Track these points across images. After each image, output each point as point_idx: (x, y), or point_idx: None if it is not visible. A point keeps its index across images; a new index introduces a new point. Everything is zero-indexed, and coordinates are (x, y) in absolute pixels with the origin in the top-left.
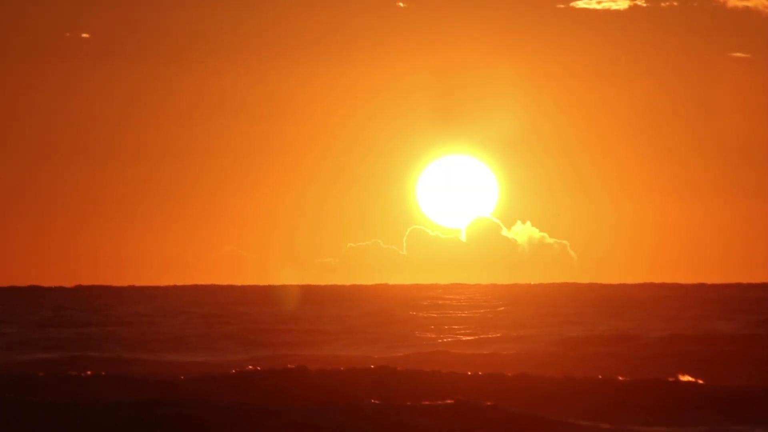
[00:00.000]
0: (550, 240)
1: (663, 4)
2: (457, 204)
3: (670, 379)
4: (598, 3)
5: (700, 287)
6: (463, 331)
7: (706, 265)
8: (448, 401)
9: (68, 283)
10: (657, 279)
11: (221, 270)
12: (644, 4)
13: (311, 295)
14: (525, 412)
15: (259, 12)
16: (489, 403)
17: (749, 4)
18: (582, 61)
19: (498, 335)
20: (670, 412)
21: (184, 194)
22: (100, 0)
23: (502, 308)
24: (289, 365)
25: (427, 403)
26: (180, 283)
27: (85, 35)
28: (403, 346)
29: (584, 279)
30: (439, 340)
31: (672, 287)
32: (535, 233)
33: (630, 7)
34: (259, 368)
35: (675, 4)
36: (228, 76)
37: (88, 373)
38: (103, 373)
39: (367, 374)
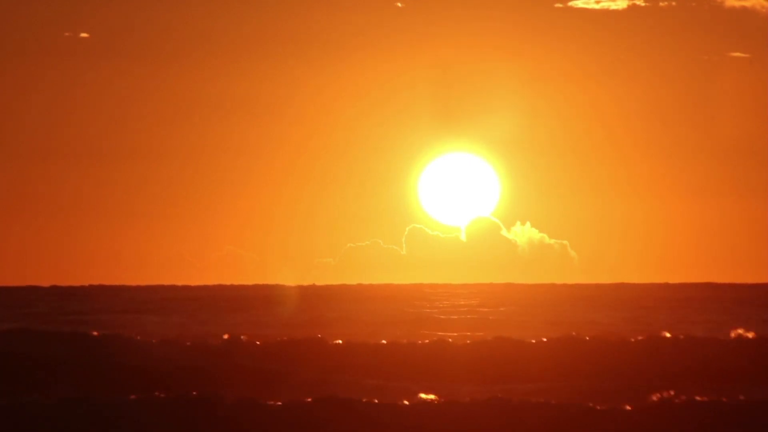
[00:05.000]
0: (550, 240)
1: (661, 4)
2: (459, 202)
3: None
4: (597, 2)
5: (701, 286)
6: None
7: (707, 265)
8: None
9: (66, 283)
10: (658, 279)
11: (221, 270)
12: (643, 4)
13: (311, 294)
14: None
15: (259, 12)
16: None
17: (746, 4)
18: (580, 61)
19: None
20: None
21: (183, 194)
22: (99, 0)
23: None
24: None
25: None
26: (180, 283)
27: (84, 35)
28: None
29: (585, 279)
30: None
31: (673, 287)
32: (535, 234)
33: (628, 7)
34: None
35: (673, 3)
36: (228, 75)
37: None
38: None
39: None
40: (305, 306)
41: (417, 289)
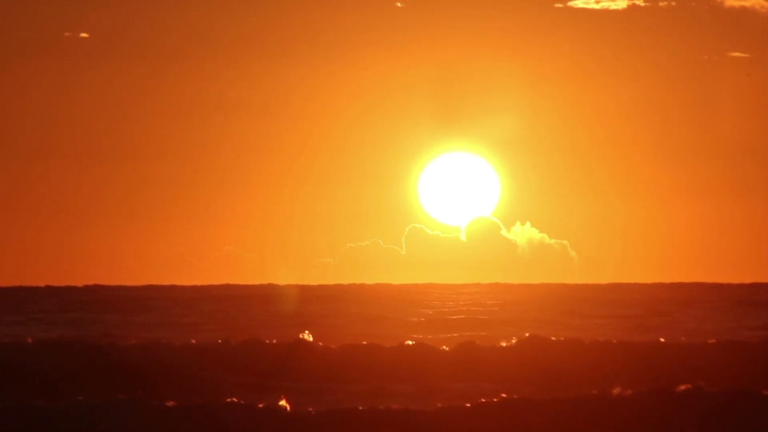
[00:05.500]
0: (550, 240)
1: (661, 4)
2: (459, 202)
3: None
4: (597, 2)
5: (701, 286)
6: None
7: (707, 265)
8: None
9: (66, 283)
10: (658, 279)
11: (221, 270)
12: (643, 4)
13: (311, 294)
14: None
15: (258, 12)
16: None
17: (746, 4)
18: (579, 61)
19: None
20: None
21: (183, 194)
22: (99, 0)
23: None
24: None
25: None
26: (180, 283)
27: (84, 35)
28: None
29: (585, 279)
30: None
31: (673, 287)
32: (535, 234)
33: (628, 7)
34: None
35: (673, 3)
36: (228, 75)
37: None
38: None
39: None
40: (282, 306)
41: (407, 289)
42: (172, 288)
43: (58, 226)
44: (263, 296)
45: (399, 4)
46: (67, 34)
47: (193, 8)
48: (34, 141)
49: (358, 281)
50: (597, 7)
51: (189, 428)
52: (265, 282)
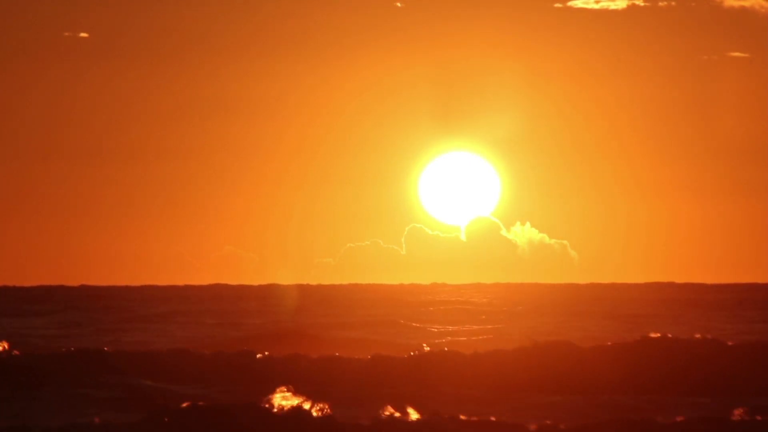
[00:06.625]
0: (550, 240)
1: (661, 4)
2: (459, 202)
3: None
4: (596, 2)
5: (701, 287)
6: None
7: (706, 265)
8: None
9: (64, 283)
10: (658, 279)
11: (221, 270)
12: (642, 4)
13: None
14: None
15: (258, 11)
16: None
17: (746, 3)
18: (579, 61)
19: None
20: None
21: (183, 194)
22: (99, 0)
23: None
24: None
25: None
26: (180, 283)
27: (83, 35)
28: None
29: (585, 279)
30: None
31: (673, 287)
32: (535, 234)
33: (628, 7)
34: None
35: (673, 3)
36: (228, 75)
37: None
38: None
39: None
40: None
41: (398, 289)
42: (171, 288)
43: (58, 226)
44: (255, 297)
45: (399, 4)
46: (67, 34)
47: (193, 8)
48: (34, 141)
49: (357, 281)
50: (597, 7)
51: None
52: (264, 282)
